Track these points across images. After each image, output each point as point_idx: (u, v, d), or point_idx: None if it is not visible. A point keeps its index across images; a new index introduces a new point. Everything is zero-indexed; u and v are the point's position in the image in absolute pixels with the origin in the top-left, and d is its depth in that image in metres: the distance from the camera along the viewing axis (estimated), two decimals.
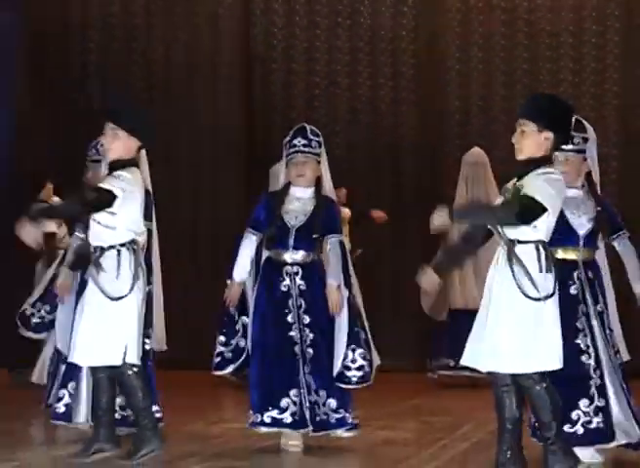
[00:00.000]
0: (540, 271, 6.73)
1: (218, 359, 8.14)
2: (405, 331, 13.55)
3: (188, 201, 13.86)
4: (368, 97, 14.43)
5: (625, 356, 7.58)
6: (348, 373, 8.04)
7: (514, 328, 6.78)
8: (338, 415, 7.97)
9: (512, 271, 6.70)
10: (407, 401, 11.19)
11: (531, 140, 6.84)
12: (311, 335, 7.95)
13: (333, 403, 7.96)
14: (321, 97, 14.49)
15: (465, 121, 14.04)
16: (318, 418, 7.93)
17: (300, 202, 8.03)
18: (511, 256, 6.70)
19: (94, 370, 7.77)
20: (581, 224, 7.46)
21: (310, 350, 7.94)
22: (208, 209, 13.95)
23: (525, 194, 6.70)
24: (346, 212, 12.67)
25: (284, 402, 7.84)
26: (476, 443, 8.49)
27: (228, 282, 8.18)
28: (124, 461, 7.52)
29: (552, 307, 6.80)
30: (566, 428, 7.19)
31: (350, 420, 8.04)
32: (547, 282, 6.79)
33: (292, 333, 7.93)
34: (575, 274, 7.43)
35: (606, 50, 14.00)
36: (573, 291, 7.43)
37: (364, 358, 8.06)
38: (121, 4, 14.64)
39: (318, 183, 8.07)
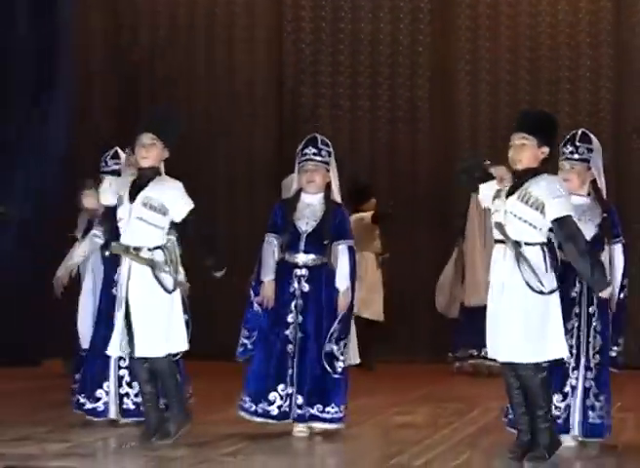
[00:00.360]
0: (546, 271, 6.80)
1: (241, 348, 8.08)
2: (419, 327, 13.51)
3: (225, 216, 13.41)
4: (387, 119, 14.19)
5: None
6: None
7: (525, 321, 6.84)
8: (325, 408, 7.83)
9: (520, 270, 6.73)
10: (422, 389, 11.08)
11: (530, 153, 6.91)
12: (302, 335, 7.85)
13: (319, 398, 7.83)
14: (344, 120, 14.29)
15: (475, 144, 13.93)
16: (301, 411, 7.83)
17: (310, 208, 7.94)
18: (518, 257, 6.74)
19: (138, 361, 7.67)
20: (588, 230, 7.27)
21: (302, 348, 7.85)
22: (244, 225, 13.30)
23: (565, 216, 6.82)
24: (368, 216, 12.83)
25: (272, 395, 7.80)
26: (483, 426, 8.49)
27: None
28: (163, 441, 7.50)
29: (556, 300, 6.88)
30: None
31: (337, 414, 7.89)
32: (552, 278, 6.86)
33: (287, 332, 7.85)
34: (577, 277, 7.32)
35: (600, 73, 13.84)
36: (573, 294, 7.39)
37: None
38: (167, 32, 14.52)
39: (327, 190, 7.99)
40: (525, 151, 6.94)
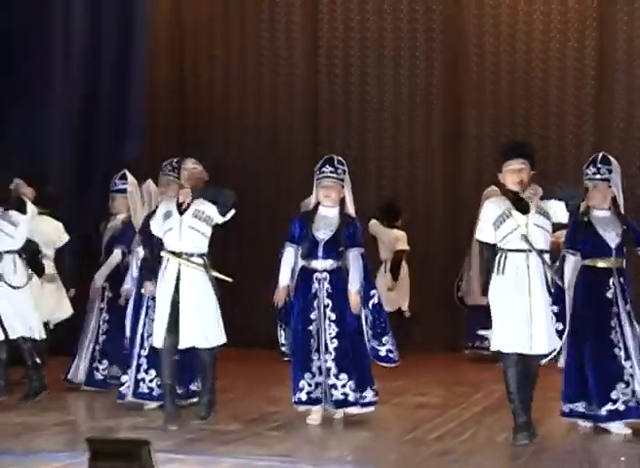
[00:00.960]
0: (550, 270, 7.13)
1: (283, 348, 8.06)
2: (433, 322, 13.34)
3: (269, 225, 13.15)
4: (407, 147, 14.00)
5: None
6: (381, 355, 7.96)
7: (547, 318, 7.11)
8: (356, 394, 7.73)
9: (545, 274, 7.02)
10: (436, 374, 11.06)
11: (527, 174, 7.11)
12: (337, 329, 7.76)
13: (352, 384, 7.71)
14: (371, 145, 14.09)
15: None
16: (334, 398, 7.73)
17: (326, 219, 7.86)
18: (543, 261, 6.98)
19: (170, 354, 7.74)
20: (612, 238, 7.41)
21: (335, 341, 7.74)
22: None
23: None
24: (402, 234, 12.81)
25: (301, 383, 7.71)
26: (487, 407, 8.56)
27: None
28: (199, 420, 7.69)
29: None
30: (609, 406, 7.26)
31: (368, 399, 7.80)
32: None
33: (310, 328, 7.77)
34: (610, 280, 7.41)
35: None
36: (609, 295, 7.41)
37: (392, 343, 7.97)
38: (222, 84, 14.41)
39: (342, 204, 7.91)
40: (524, 173, 7.12)
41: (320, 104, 14.27)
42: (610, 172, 7.49)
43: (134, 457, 5.08)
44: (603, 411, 7.29)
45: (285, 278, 7.95)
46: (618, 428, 7.33)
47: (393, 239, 12.67)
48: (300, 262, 7.95)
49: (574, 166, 12.70)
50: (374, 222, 12.53)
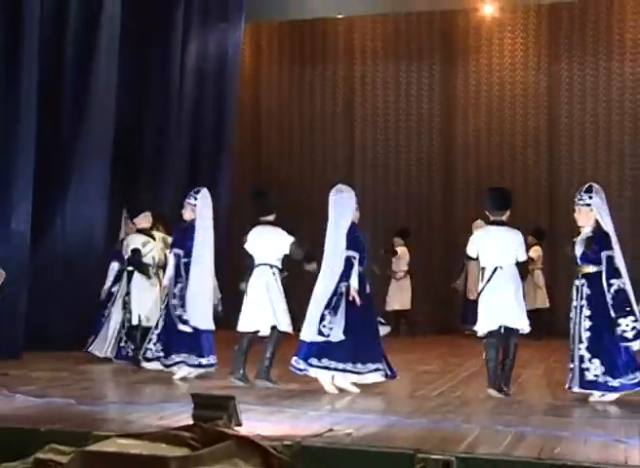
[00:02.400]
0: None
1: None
2: (434, 311, 13.39)
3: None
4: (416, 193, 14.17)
5: None
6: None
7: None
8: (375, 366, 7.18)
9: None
10: (437, 350, 11.05)
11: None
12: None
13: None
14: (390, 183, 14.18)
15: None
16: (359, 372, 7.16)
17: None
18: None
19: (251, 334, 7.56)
20: (579, 249, 6.93)
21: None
22: None
23: None
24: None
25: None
26: (473, 372, 8.52)
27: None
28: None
29: None
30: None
31: (388, 372, 7.25)
32: None
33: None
34: (576, 282, 6.96)
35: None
36: (573, 293, 6.97)
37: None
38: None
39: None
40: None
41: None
42: (590, 198, 6.90)
43: (224, 408, 5.20)
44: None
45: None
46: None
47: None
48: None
49: (532, 200, 12.83)
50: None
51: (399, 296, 12.90)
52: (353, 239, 7.22)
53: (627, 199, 13.07)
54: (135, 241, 9.12)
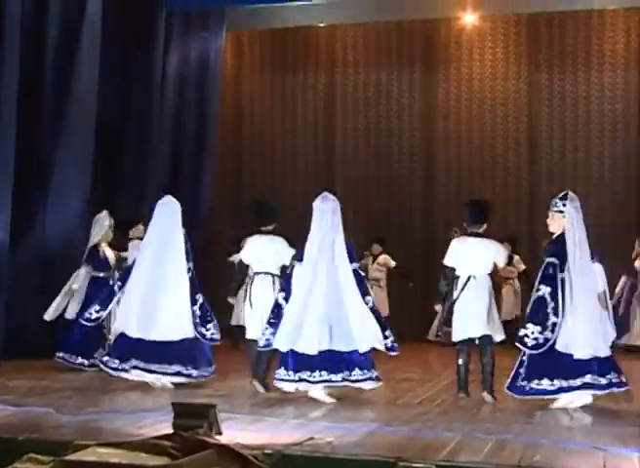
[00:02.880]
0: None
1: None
2: (411, 320, 13.21)
3: None
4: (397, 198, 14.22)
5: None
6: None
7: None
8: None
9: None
10: (417, 357, 10.99)
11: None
12: None
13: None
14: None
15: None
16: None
17: None
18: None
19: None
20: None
21: None
22: None
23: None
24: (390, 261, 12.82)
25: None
26: (453, 380, 8.09)
27: None
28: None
29: None
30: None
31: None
32: None
33: None
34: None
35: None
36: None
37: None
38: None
39: None
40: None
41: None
42: (564, 205, 6.92)
43: (204, 416, 5.17)
44: None
45: None
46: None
47: None
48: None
49: (512, 205, 12.88)
50: None
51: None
52: (351, 251, 7.23)
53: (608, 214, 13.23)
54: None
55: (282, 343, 7.14)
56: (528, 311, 6.96)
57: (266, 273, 7.66)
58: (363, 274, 7.38)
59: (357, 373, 7.11)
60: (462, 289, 7.33)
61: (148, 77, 11.95)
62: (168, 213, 7.95)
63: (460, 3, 12.62)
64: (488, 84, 14.02)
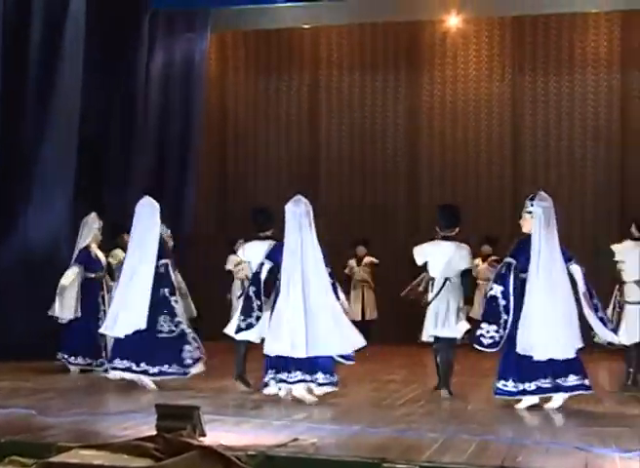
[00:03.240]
0: None
1: None
2: (395, 323, 13.10)
3: None
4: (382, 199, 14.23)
5: None
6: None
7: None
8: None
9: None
10: (400, 359, 11.07)
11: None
12: None
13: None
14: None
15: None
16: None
17: None
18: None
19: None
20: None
21: None
22: None
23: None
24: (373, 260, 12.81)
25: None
26: (433, 381, 8.28)
27: None
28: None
29: None
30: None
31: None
32: None
33: None
34: None
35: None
36: None
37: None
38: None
39: None
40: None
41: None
42: (532, 205, 6.95)
43: (188, 418, 5.17)
44: None
45: None
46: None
47: None
48: None
49: (496, 204, 12.92)
50: None
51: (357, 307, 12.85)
52: (324, 255, 7.25)
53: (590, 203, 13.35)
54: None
55: (270, 347, 7.17)
56: (482, 311, 7.08)
57: None
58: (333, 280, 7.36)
59: (321, 377, 7.15)
60: (439, 291, 7.57)
61: (132, 77, 11.92)
62: (146, 214, 8.01)
63: (444, 5, 12.66)
64: (472, 86, 14.06)
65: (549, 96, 13.72)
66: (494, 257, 11.88)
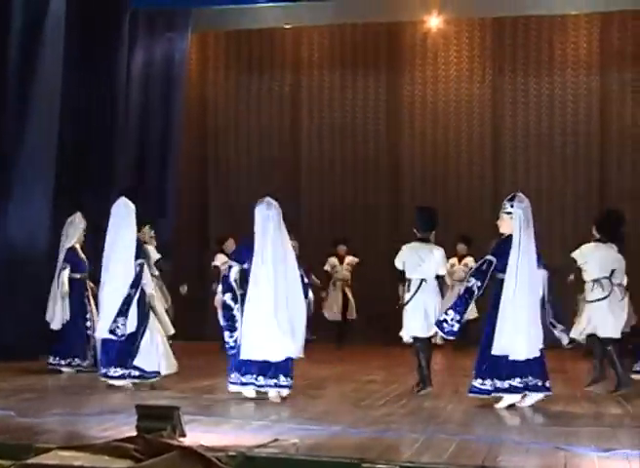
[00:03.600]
0: None
1: None
2: (374, 323, 13.02)
3: None
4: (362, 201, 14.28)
5: None
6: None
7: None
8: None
9: None
10: (380, 360, 11.06)
11: None
12: None
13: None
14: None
15: None
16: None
17: None
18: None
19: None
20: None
21: None
22: None
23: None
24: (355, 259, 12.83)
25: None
26: (413, 381, 8.26)
27: None
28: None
29: None
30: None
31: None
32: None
33: None
34: None
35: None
36: None
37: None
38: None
39: None
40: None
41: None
42: (512, 206, 7.00)
43: (168, 418, 5.16)
44: None
45: None
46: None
47: None
48: None
49: (477, 204, 12.95)
50: None
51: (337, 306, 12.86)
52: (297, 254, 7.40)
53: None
54: (155, 254, 9.15)
55: (246, 352, 7.16)
56: (455, 300, 7.12)
57: None
58: (306, 281, 7.43)
59: (282, 380, 7.20)
60: (415, 292, 7.74)
61: (113, 76, 11.88)
62: (121, 214, 8.02)
63: (425, 6, 12.70)
64: (453, 86, 14.11)
65: (529, 97, 13.80)
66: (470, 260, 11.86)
